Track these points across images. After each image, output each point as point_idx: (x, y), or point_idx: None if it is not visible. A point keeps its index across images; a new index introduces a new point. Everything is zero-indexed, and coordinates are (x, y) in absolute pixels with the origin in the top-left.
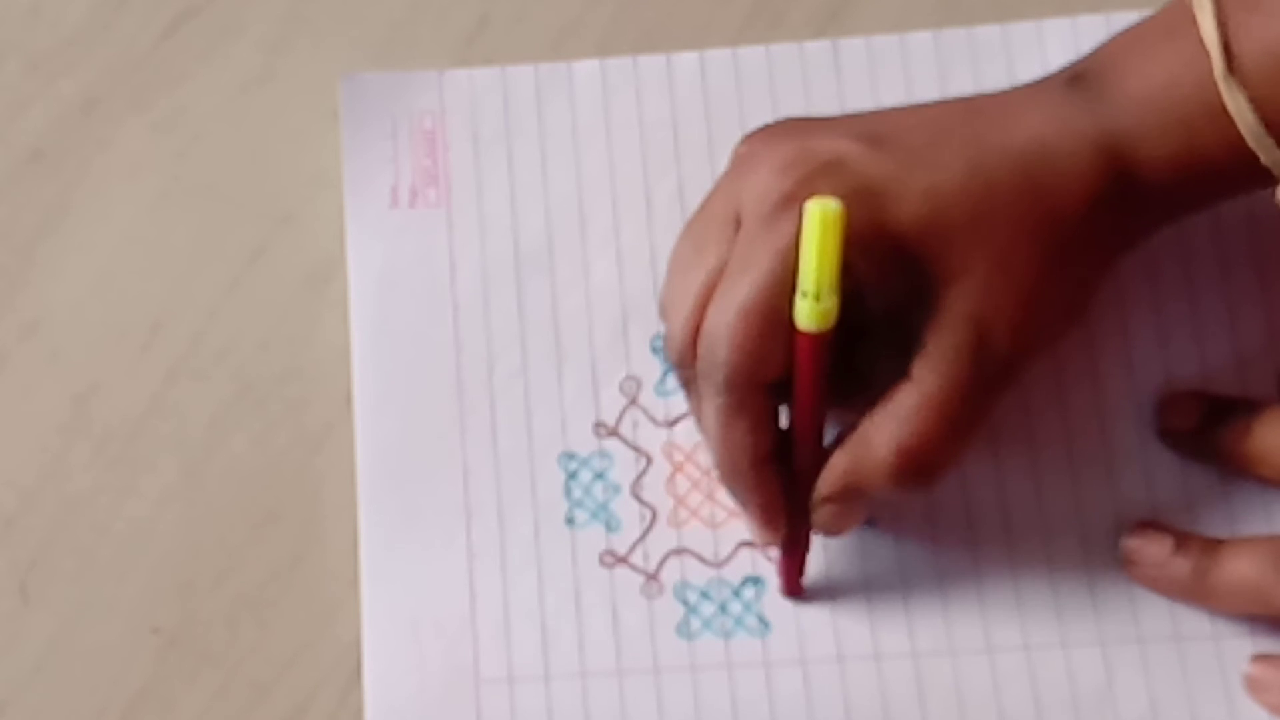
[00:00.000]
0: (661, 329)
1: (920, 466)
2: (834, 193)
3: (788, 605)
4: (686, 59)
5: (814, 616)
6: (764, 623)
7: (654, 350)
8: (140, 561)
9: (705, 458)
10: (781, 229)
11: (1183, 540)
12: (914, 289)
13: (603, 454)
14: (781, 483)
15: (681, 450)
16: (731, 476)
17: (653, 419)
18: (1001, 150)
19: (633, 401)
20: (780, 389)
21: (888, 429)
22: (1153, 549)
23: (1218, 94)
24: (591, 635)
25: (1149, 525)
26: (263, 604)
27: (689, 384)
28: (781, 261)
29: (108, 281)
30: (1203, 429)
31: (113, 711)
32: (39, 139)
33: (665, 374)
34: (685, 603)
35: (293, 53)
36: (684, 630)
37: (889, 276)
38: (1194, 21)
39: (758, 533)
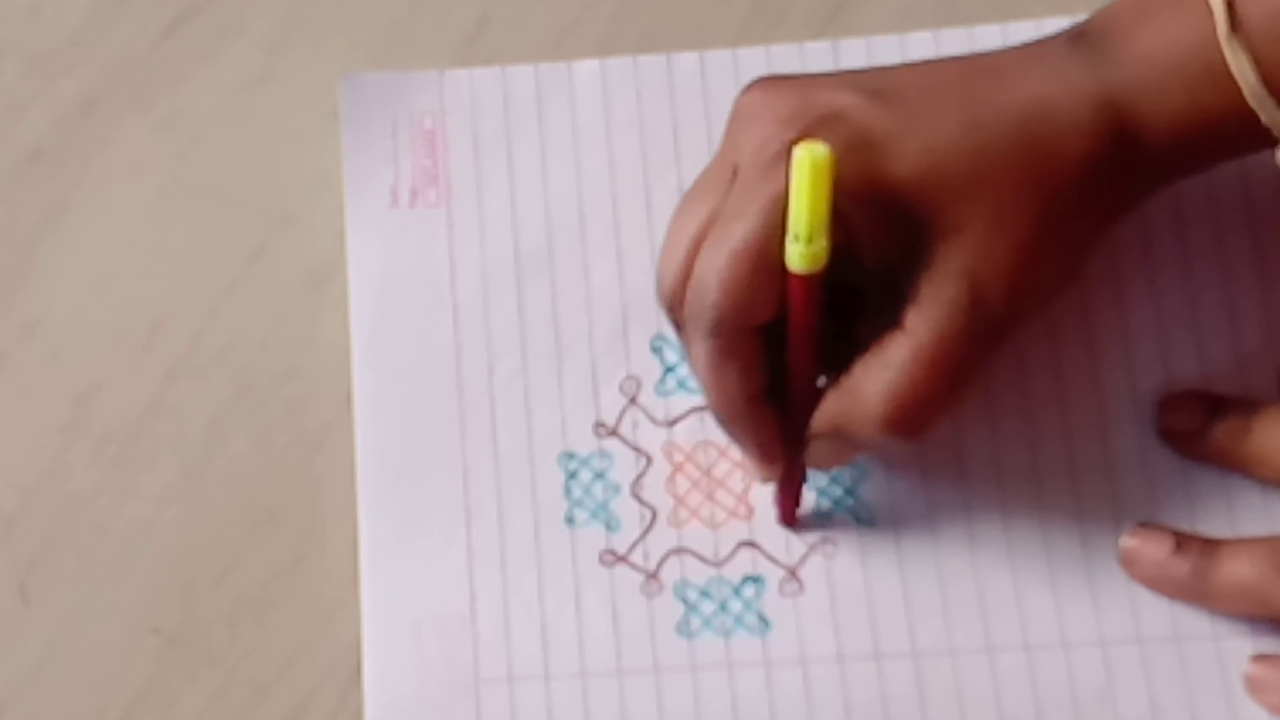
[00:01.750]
0: (661, 329)
1: (908, 418)
2: (832, 144)
3: (788, 604)
4: (686, 59)
5: (814, 616)
6: (764, 621)
7: (654, 350)
8: (140, 561)
9: (705, 458)
10: (776, 177)
11: (1182, 540)
12: (909, 244)
13: (603, 454)
14: (775, 420)
15: (681, 450)
16: (725, 417)
17: (653, 419)
18: (1001, 107)
19: (632, 401)
20: (771, 332)
21: (878, 378)
22: (1152, 549)
23: (1220, 54)
24: (591, 634)
25: (1149, 525)
26: (263, 604)
27: (679, 328)
28: (773, 208)
29: (108, 281)
30: (1203, 429)
31: (113, 711)
32: (39, 139)
33: (665, 374)
34: (685, 601)
35: (293, 53)
36: (684, 629)
37: (884, 230)
38: None
39: (755, 469)
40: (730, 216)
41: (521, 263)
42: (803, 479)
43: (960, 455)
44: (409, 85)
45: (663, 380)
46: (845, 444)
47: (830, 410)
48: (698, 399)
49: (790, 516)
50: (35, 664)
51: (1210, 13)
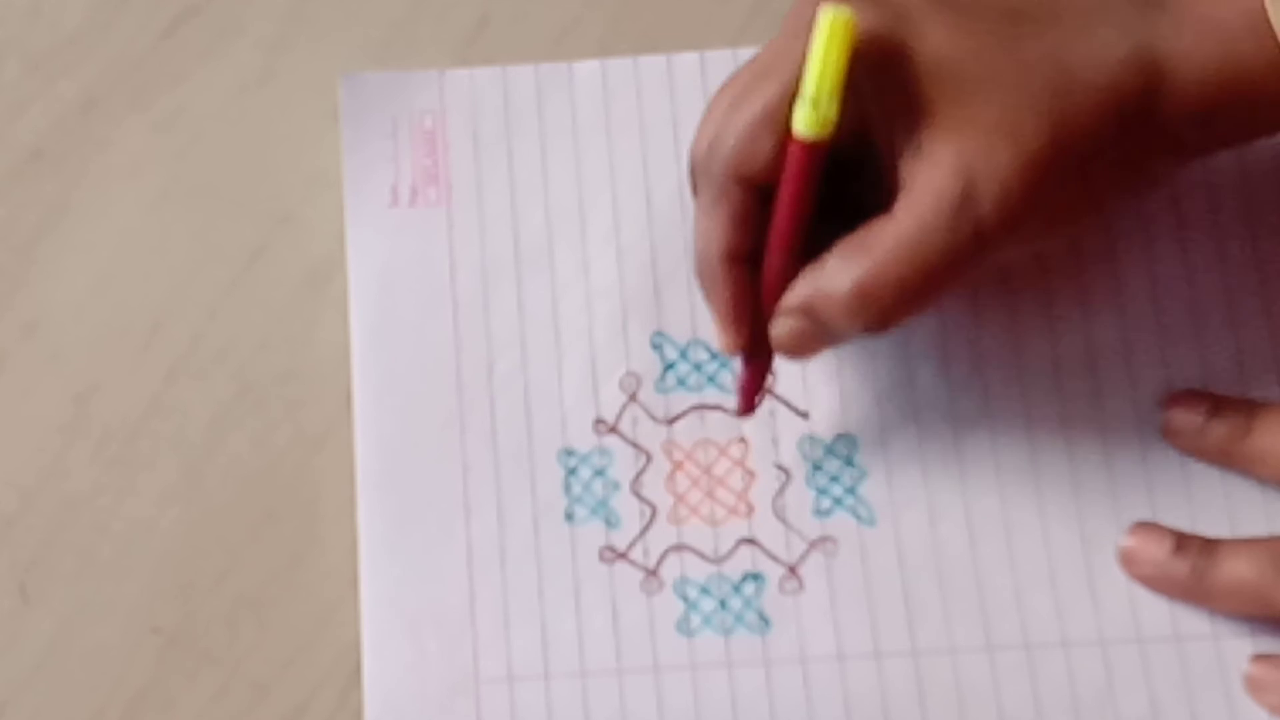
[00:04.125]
0: (661, 326)
1: (874, 305)
2: (863, 14)
3: (788, 602)
4: (686, 59)
5: (814, 614)
6: (764, 620)
7: (654, 347)
8: (140, 561)
9: (705, 456)
10: (805, 39)
11: (1182, 540)
12: (916, 130)
13: (602, 451)
14: (746, 285)
15: (681, 448)
16: (702, 269)
17: (652, 416)
18: (1041, 25)
19: (632, 399)
20: (771, 199)
21: (853, 260)
22: (1152, 549)
23: (1263, 9)
24: (591, 632)
25: (1148, 525)
26: (263, 604)
27: (696, 192)
28: (794, 70)
29: (108, 281)
30: (1203, 429)
31: (113, 711)
32: (39, 139)
33: (665, 371)
34: (685, 599)
35: (293, 53)
36: (684, 627)
37: (895, 110)
38: None
39: (720, 334)
40: (754, 75)
41: (521, 261)
42: (768, 362)
43: (960, 455)
44: (409, 85)
45: (662, 378)
46: (814, 329)
47: (802, 287)
48: (698, 396)
49: (749, 405)
50: (35, 664)
51: None
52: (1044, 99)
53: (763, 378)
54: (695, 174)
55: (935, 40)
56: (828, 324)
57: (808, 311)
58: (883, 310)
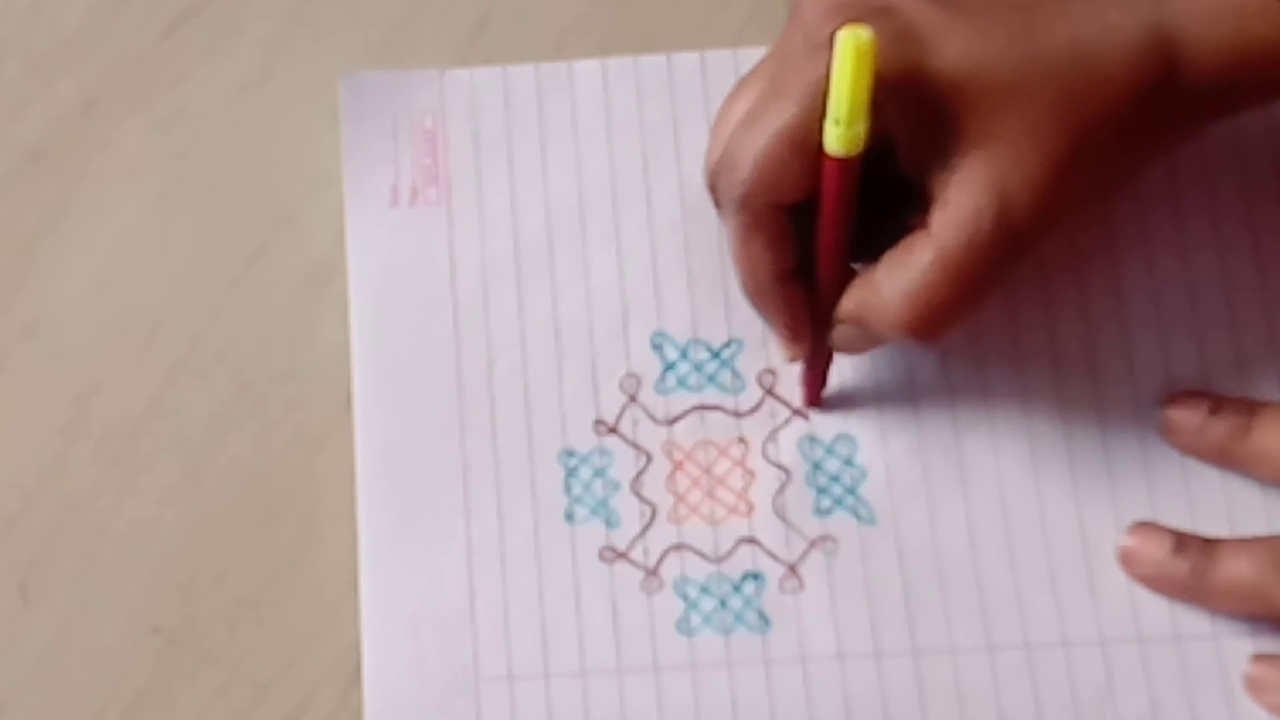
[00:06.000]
0: (661, 326)
1: (923, 321)
2: (878, 34)
3: (788, 601)
4: (686, 59)
5: (814, 613)
6: (764, 619)
7: (654, 348)
8: (140, 561)
9: (705, 456)
10: (820, 60)
11: (1182, 539)
12: (943, 145)
13: (602, 451)
14: (801, 299)
15: (681, 449)
16: (750, 291)
17: (652, 417)
18: (1052, 22)
19: (632, 399)
20: (804, 215)
21: (900, 277)
22: (1152, 548)
23: None
24: (591, 631)
25: (1148, 524)
26: (263, 604)
27: (719, 206)
28: (813, 90)
29: (108, 281)
30: (1203, 428)
31: (113, 711)
32: (39, 139)
33: (665, 372)
34: (685, 598)
35: (293, 53)
36: (684, 626)
37: (919, 127)
38: None
39: (783, 347)
40: (769, 97)
41: (521, 261)
42: (828, 361)
43: (960, 454)
44: (409, 85)
45: (662, 378)
46: (867, 335)
47: (854, 299)
48: (697, 397)
49: (815, 398)
50: (35, 664)
51: None
52: (1064, 97)
53: (825, 373)
54: (715, 191)
55: (951, 54)
56: (879, 333)
57: (860, 321)
58: (931, 325)
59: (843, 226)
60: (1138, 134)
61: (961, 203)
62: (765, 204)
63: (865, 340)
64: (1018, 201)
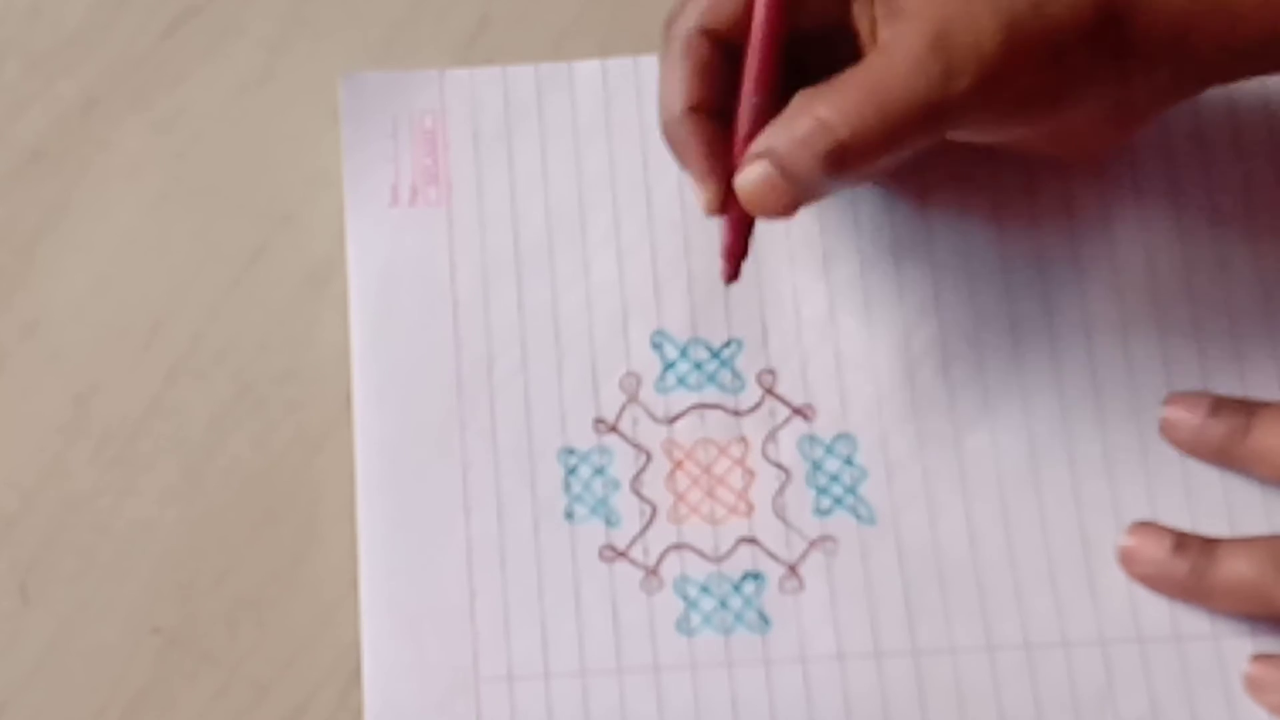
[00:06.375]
0: (661, 325)
1: (833, 145)
2: None
3: (788, 601)
4: None
5: (814, 613)
6: (764, 619)
7: (654, 347)
8: (140, 561)
9: (705, 455)
10: None
11: (1181, 539)
12: (894, 3)
13: (602, 450)
14: (713, 137)
15: (681, 448)
16: (664, 123)
17: (652, 416)
18: None
19: (632, 398)
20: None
21: (816, 99)
22: (1151, 548)
23: None
24: (591, 631)
25: (1148, 525)
26: (263, 604)
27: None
28: None
29: (108, 281)
30: (1203, 428)
31: (113, 711)
32: (39, 139)
33: (665, 371)
34: (685, 597)
35: (293, 53)
36: (684, 626)
37: None
38: None
39: (697, 190)
40: None
41: (521, 260)
42: (749, 226)
43: (960, 455)
44: (409, 85)
45: (662, 377)
46: (778, 176)
47: (768, 134)
48: (697, 396)
49: (734, 269)
50: (35, 664)
51: None
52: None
53: (745, 240)
54: (663, 38)
55: None
56: (790, 168)
57: (769, 154)
58: (840, 152)
59: (767, 66)
60: (1090, 49)
61: (899, 37)
62: (695, 29)
63: (774, 188)
64: (958, 44)
